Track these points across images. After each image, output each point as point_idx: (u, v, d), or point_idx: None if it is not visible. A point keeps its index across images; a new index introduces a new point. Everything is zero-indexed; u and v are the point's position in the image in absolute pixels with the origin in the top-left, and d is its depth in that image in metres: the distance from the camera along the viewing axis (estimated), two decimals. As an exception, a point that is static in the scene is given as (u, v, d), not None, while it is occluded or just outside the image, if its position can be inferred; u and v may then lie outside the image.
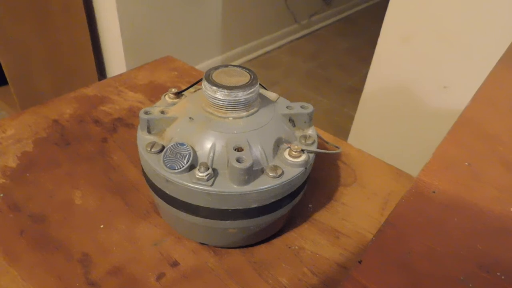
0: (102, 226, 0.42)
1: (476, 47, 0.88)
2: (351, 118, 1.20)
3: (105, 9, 1.52)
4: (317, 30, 2.55)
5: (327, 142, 0.49)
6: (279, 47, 2.30)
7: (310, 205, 0.46)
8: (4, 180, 0.46)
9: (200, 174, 0.33)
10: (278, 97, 0.44)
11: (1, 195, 0.45)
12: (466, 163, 0.34)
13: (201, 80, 0.42)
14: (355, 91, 1.84)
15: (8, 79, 1.40)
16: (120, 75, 0.67)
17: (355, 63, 2.21)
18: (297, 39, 2.41)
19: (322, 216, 0.46)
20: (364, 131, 1.17)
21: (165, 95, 0.43)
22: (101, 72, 1.72)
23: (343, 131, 1.39)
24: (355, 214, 0.46)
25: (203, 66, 1.90)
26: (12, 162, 0.49)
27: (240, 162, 0.33)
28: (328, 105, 1.83)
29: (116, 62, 1.64)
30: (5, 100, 1.60)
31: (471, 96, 0.44)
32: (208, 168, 0.33)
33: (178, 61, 0.71)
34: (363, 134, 1.17)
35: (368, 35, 2.47)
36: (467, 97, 0.48)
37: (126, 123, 0.56)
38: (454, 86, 0.94)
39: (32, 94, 1.48)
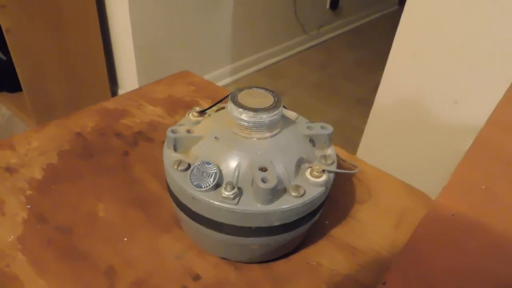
0: (125, 239, 0.44)
1: (486, 63, 0.89)
2: (359, 130, 1.21)
3: (118, 19, 1.55)
4: (325, 41, 2.57)
5: (344, 160, 0.50)
6: (288, 57, 2.33)
7: (326, 222, 0.48)
8: (31, 192, 0.48)
9: (226, 193, 0.34)
10: (298, 116, 0.45)
11: (29, 206, 0.46)
12: (483, 186, 0.35)
13: (223, 99, 0.44)
14: (363, 102, 1.85)
15: (22, 86, 1.43)
16: (139, 88, 0.69)
17: (363, 74, 2.22)
18: (306, 49, 2.44)
19: (338, 232, 0.47)
20: (374, 144, 1.18)
21: (189, 113, 0.44)
22: (113, 80, 1.75)
23: (351, 143, 1.40)
24: (370, 231, 0.47)
25: (213, 75, 1.92)
26: (38, 174, 0.50)
27: (265, 182, 0.34)
28: (336, 116, 1.85)
29: (128, 70, 1.66)
30: (19, 106, 1.64)
31: (481, 112, 0.45)
32: (234, 187, 0.35)
33: (195, 75, 0.73)
34: (372, 147, 1.18)
35: (376, 47, 2.49)
36: (478, 112, 0.49)
37: (147, 137, 0.58)
38: (465, 101, 0.96)
39: (45, 101, 1.51)
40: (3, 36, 1.30)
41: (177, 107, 0.65)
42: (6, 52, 1.39)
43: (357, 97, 2.01)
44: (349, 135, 1.67)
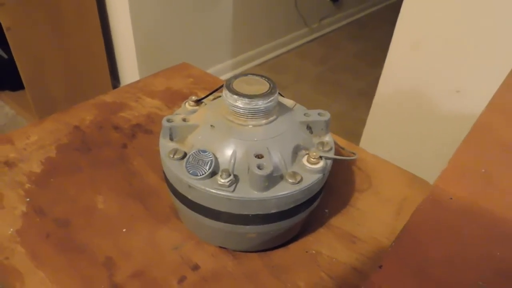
0: (124, 230, 0.44)
1: (488, 51, 0.88)
2: (362, 122, 1.21)
3: (118, 15, 1.54)
4: (327, 33, 2.55)
5: (342, 148, 0.50)
6: (289, 51, 2.31)
7: (326, 210, 0.47)
8: (30, 185, 0.48)
9: (222, 181, 0.34)
10: (295, 104, 0.45)
11: (28, 199, 0.46)
12: (483, 170, 0.34)
13: (219, 87, 0.43)
14: (366, 94, 1.84)
15: (24, 84, 1.43)
16: (138, 81, 0.69)
17: (365, 67, 2.21)
18: (307, 42, 2.42)
19: (338, 221, 0.46)
20: (376, 135, 1.17)
21: (185, 103, 0.44)
22: (114, 76, 1.75)
23: (354, 135, 1.39)
24: (371, 219, 0.47)
25: (214, 70, 1.91)
26: (36, 168, 0.50)
27: (260, 169, 0.34)
28: (339, 109, 1.84)
29: (129, 66, 1.66)
30: (21, 104, 1.64)
31: (483, 101, 0.45)
32: (230, 175, 0.34)
33: (194, 67, 0.72)
34: (375, 138, 1.18)
35: (378, 39, 2.47)
36: (480, 102, 0.48)
37: (145, 129, 0.58)
38: (467, 91, 0.94)
39: (47, 98, 1.52)
40: (4, 34, 1.30)
41: (175, 99, 0.65)
42: (8, 50, 1.39)
43: (360, 90, 2.00)
44: (352, 127, 1.66)
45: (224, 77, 1.99)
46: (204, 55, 1.86)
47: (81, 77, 1.58)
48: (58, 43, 1.46)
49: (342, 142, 0.55)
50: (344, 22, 2.69)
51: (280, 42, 2.25)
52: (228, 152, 0.36)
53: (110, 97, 0.64)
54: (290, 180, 0.35)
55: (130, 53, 1.59)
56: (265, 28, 2.12)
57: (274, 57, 2.24)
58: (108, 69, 1.64)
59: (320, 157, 0.37)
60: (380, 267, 0.26)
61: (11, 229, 0.43)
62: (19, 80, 1.42)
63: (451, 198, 0.31)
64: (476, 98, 0.92)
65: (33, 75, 1.44)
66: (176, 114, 0.42)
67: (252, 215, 0.36)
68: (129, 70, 1.67)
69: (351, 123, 1.71)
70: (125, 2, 1.46)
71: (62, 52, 1.48)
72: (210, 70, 1.89)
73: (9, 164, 0.51)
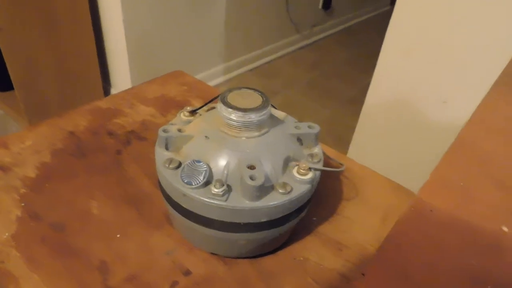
0: (118, 235, 0.45)
1: (475, 63, 0.91)
2: (351, 128, 1.23)
3: (111, 18, 1.55)
4: (318, 40, 2.59)
5: (331, 159, 0.51)
6: (280, 57, 2.34)
7: (314, 218, 0.49)
8: (24, 190, 0.49)
9: (216, 190, 0.36)
10: (286, 116, 0.47)
11: (22, 204, 0.47)
12: (461, 183, 0.37)
13: (214, 99, 0.45)
14: (356, 101, 1.87)
15: (14, 85, 1.43)
16: (132, 88, 0.70)
17: (355, 74, 2.25)
18: (299, 49, 2.45)
19: (326, 228, 0.48)
20: (365, 142, 1.19)
21: (180, 113, 0.46)
22: (105, 79, 1.75)
23: (343, 141, 1.42)
24: (357, 227, 0.49)
25: (206, 74, 1.93)
26: (31, 173, 0.51)
27: (253, 180, 0.35)
28: (329, 115, 1.87)
29: (120, 69, 1.67)
30: (10, 105, 1.63)
31: (469, 112, 0.47)
32: (223, 185, 0.36)
33: (188, 75, 0.74)
34: (363, 145, 1.20)
35: (368, 46, 2.52)
36: (465, 112, 0.51)
37: (139, 136, 0.59)
38: (453, 102, 0.98)
39: (37, 99, 1.51)
40: (-5, 35, 1.30)
41: (169, 106, 0.66)
42: (-2, 50, 1.39)
43: (350, 96, 2.03)
44: (341, 134, 1.69)
45: (216, 81, 2.00)
46: (196, 59, 1.87)
47: (72, 79, 1.58)
48: (50, 44, 1.45)
49: (331, 153, 0.57)
50: (335, 30, 2.73)
51: (272, 48, 2.28)
52: (222, 162, 0.38)
53: (104, 103, 0.65)
54: (280, 191, 0.37)
55: (122, 56, 1.60)
56: (257, 34, 2.14)
57: (266, 62, 2.27)
58: (99, 72, 1.65)
59: (310, 168, 0.39)
60: (363, 274, 0.28)
61: (6, 234, 0.44)
62: (9, 80, 1.42)
63: (431, 210, 0.33)
64: (461, 109, 0.96)
65: (23, 76, 1.44)
66: (171, 124, 0.43)
67: (244, 223, 0.37)
68: (121, 73, 1.68)
69: (341, 129, 1.74)
70: (118, 5, 1.46)
71: (54, 54, 1.48)
72: (202, 75, 1.90)
73: (4, 168, 0.52)
